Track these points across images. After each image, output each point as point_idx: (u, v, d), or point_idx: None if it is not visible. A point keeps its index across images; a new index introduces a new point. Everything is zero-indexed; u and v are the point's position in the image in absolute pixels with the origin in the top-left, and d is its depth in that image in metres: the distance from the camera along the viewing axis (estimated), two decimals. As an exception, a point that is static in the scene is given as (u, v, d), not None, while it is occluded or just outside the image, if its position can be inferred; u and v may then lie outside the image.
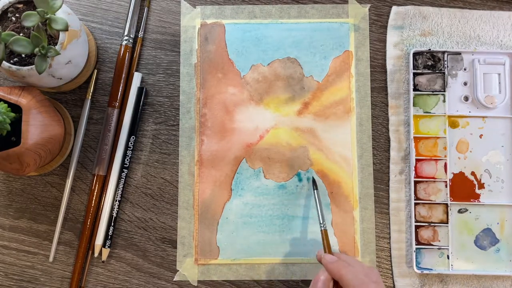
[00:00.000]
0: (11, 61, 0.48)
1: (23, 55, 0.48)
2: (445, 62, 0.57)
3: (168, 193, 0.56)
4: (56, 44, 0.48)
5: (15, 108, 0.47)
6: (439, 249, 0.54)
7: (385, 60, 0.58)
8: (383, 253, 0.55)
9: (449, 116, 0.56)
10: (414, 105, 0.56)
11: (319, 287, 0.45)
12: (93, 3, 0.59)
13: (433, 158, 0.55)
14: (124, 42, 0.57)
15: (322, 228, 0.51)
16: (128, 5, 0.58)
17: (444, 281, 0.54)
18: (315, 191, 0.54)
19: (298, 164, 0.56)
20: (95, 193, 0.56)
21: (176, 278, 0.55)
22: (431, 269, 0.54)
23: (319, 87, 0.57)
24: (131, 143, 0.56)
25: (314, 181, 0.55)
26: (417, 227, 0.55)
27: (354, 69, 0.57)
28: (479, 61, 0.56)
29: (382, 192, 0.56)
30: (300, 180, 0.56)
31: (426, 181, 0.55)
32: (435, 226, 0.55)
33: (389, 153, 0.57)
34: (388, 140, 0.57)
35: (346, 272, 0.44)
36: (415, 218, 0.55)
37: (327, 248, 0.50)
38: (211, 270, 0.55)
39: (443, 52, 0.57)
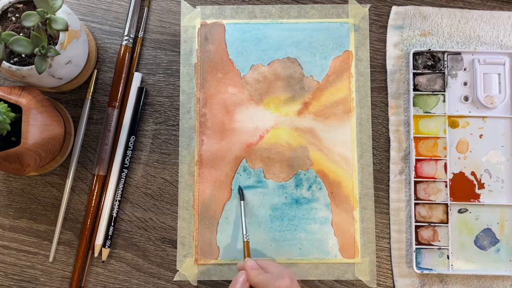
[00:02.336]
0: (11, 61, 0.48)
1: (23, 55, 0.48)
2: (445, 62, 0.57)
3: (168, 193, 0.56)
4: (56, 44, 0.48)
5: (15, 108, 0.47)
6: (439, 249, 0.54)
7: (385, 60, 0.58)
8: (383, 253, 0.55)
9: (449, 116, 0.56)
10: (414, 105, 0.56)
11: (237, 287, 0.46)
12: (93, 3, 0.59)
13: (433, 158, 0.55)
14: (124, 42, 0.57)
15: (245, 240, 0.52)
16: (128, 5, 0.58)
17: (444, 281, 0.54)
18: (241, 202, 0.54)
19: (298, 164, 0.56)
20: (95, 193, 0.56)
21: (176, 278, 0.55)
22: (431, 269, 0.54)
23: (319, 87, 0.57)
24: (131, 143, 0.56)
25: (240, 191, 0.56)
26: (417, 227, 0.55)
27: (354, 69, 0.58)
28: (479, 61, 0.56)
29: (382, 192, 0.56)
30: (297, 185, 0.56)
31: (426, 181, 0.55)
32: (435, 226, 0.55)
33: (389, 153, 0.57)
34: (388, 140, 0.57)
35: (260, 279, 0.46)
36: (415, 218, 0.55)
37: (247, 255, 0.51)
38: (211, 270, 0.55)
39: (443, 52, 0.57)
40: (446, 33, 0.58)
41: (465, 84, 0.57)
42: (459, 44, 0.57)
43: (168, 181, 0.57)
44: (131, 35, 0.58)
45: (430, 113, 0.56)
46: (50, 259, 0.55)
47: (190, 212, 0.56)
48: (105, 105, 0.57)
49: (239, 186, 0.56)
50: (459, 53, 0.57)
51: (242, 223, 0.53)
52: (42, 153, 0.49)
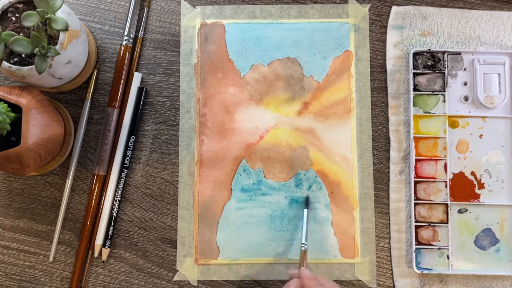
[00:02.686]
0: (11, 61, 0.48)
1: (23, 55, 0.48)
2: (445, 62, 0.57)
3: (168, 193, 0.56)
4: (56, 44, 0.48)
5: (15, 108, 0.47)
6: (439, 249, 0.54)
7: (385, 60, 0.58)
8: (383, 253, 0.55)
9: (449, 116, 0.56)
10: (414, 105, 0.56)
11: None
12: (93, 3, 0.59)
13: (433, 158, 0.55)
14: (124, 42, 0.57)
15: (302, 248, 0.52)
16: (128, 5, 0.58)
17: (444, 281, 0.54)
18: (305, 210, 0.54)
19: (298, 164, 0.56)
20: (95, 193, 0.56)
21: (176, 278, 0.55)
22: (431, 269, 0.54)
23: (319, 87, 0.57)
24: (131, 143, 0.56)
25: (307, 199, 0.55)
26: (417, 227, 0.55)
27: (354, 69, 0.58)
28: (479, 61, 0.56)
29: (382, 192, 0.56)
30: (297, 185, 0.56)
31: (426, 181, 0.55)
32: (435, 226, 0.55)
33: (389, 153, 0.57)
34: (388, 140, 0.57)
35: None
36: (415, 218, 0.55)
37: (303, 265, 0.51)
38: (211, 270, 0.55)
39: (443, 52, 0.57)
40: (446, 33, 0.58)
41: (465, 84, 0.57)
42: (459, 44, 0.57)
43: (168, 181, 0.57)
44: (131, 35, 0.58)
45: (430, 113, 0.56)
46: (50, 259, 0.55)
47: (190, 212, 0.56)
48: (105, 105, 0.58)
49: (308, 196, 0.55)
50: (459, 53, 0.57)
51: (302, 232, 0.53)
52: (42, 153, 0.49)
